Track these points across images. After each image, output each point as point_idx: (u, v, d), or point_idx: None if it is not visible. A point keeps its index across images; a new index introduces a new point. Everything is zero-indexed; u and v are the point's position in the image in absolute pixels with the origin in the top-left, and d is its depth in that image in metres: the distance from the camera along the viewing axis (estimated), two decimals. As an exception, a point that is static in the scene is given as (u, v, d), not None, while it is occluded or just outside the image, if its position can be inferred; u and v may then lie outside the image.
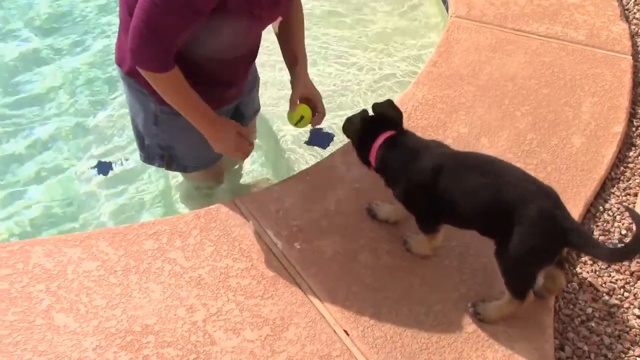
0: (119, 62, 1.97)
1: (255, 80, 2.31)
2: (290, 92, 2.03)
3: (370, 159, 1.90)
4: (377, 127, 1.89)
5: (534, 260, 1.68)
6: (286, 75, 2.07)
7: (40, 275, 1.85)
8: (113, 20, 3.33)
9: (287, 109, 2.02)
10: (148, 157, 2.15)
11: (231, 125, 1.96)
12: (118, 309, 1.79)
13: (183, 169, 2.25)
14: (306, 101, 2.03)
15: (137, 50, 1.70)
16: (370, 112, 1.94)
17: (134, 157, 2.64)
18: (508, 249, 1.65)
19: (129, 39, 1.70)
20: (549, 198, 1.66)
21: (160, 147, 2.09)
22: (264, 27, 1.92)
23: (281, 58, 2.08)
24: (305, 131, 2.86)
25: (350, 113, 2.04)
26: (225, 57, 1.90)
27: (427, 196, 1.78)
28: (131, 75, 1.92)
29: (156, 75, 1.75)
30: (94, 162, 2.73)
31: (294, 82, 2.04)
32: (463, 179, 1.74)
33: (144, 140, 2.10)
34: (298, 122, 2.03)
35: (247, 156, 2.06)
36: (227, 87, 2.03)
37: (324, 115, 2.06)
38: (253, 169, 2.71)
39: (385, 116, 1.91)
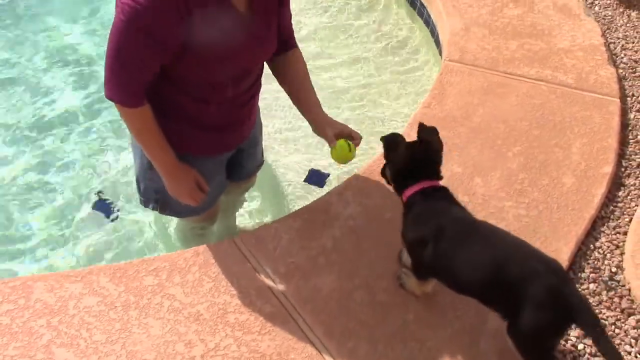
0: None
1: (259, 133, 2.32)
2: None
3: (401, 195, 1.89)
4: (421, 169, 1.87)
5: (546, 339, 1.66)
6: (284, 114, 2.10)
7: (42, 311, 1.88)
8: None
9: (276, 150, 2.00)
10: (144, 200, 2.18)
11: (190, 174, 1.99)
12: (117, 344, 1.81)
13: (176, 214, 2.27)
14: (340, 135, 2.01)
15: (107, 81, 1.73)
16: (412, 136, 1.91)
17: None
18: (518, 328, 1.64)
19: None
20: (556, 274, 1.64)
21: (155, 192, 2.08)
22: (252, 60, 1.88)
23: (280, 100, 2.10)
24: (303, 171, 2.93)
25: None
26: (218, 96, 1.89)
27: (427, 252, 1.77)
28: None
29: (126, 109, 1.76)
30: (96, 199, 2.78)
31: (321, 121, 2.04)
32: (466, 248, 1.74)
33: (140, 184, 2.13)
34: (344, 156, 1.98)
35: (197, 204, 2.05)
36: (224, 132, 2.03)
37: (361, 137, 2.05)
38: (251, 209, 2.75)
39: (431, 158, 1.89)
